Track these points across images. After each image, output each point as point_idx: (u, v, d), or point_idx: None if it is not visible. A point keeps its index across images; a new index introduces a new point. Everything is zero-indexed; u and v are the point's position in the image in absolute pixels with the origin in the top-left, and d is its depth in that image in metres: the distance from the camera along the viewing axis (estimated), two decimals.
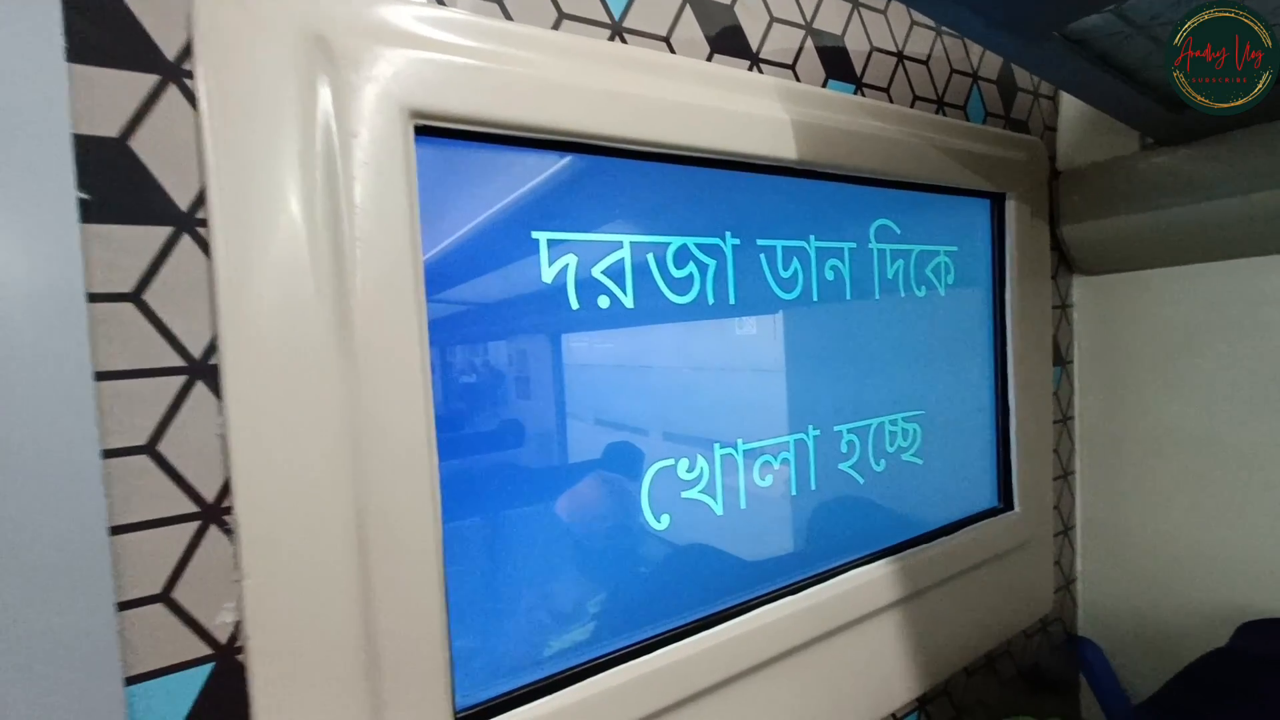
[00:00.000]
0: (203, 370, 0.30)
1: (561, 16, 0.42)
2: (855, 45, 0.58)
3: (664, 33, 0.46)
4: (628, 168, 0.44)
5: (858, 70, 0.58)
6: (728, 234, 0.48)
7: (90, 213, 0.28)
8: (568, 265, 0.41)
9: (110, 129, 0.29)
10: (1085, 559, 0.84)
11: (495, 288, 0.39)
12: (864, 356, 0.58)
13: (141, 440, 0.29)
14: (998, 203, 0.68)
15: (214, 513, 0.31)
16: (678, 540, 0.46)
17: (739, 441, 0.49)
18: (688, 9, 0.47)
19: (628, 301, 0.43)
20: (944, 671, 0.63)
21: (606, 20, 0.44)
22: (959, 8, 0.43)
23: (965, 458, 0.67)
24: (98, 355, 0.28)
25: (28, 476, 0.26)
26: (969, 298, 0.67)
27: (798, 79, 0.54)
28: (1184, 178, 0.66)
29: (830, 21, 0.56)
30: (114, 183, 0.29)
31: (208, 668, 0.31)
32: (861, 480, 0.57)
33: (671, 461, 0.46)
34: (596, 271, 0.42)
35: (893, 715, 0.61)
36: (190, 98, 0.30)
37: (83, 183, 0.28)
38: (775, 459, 0.51)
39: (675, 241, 0.46)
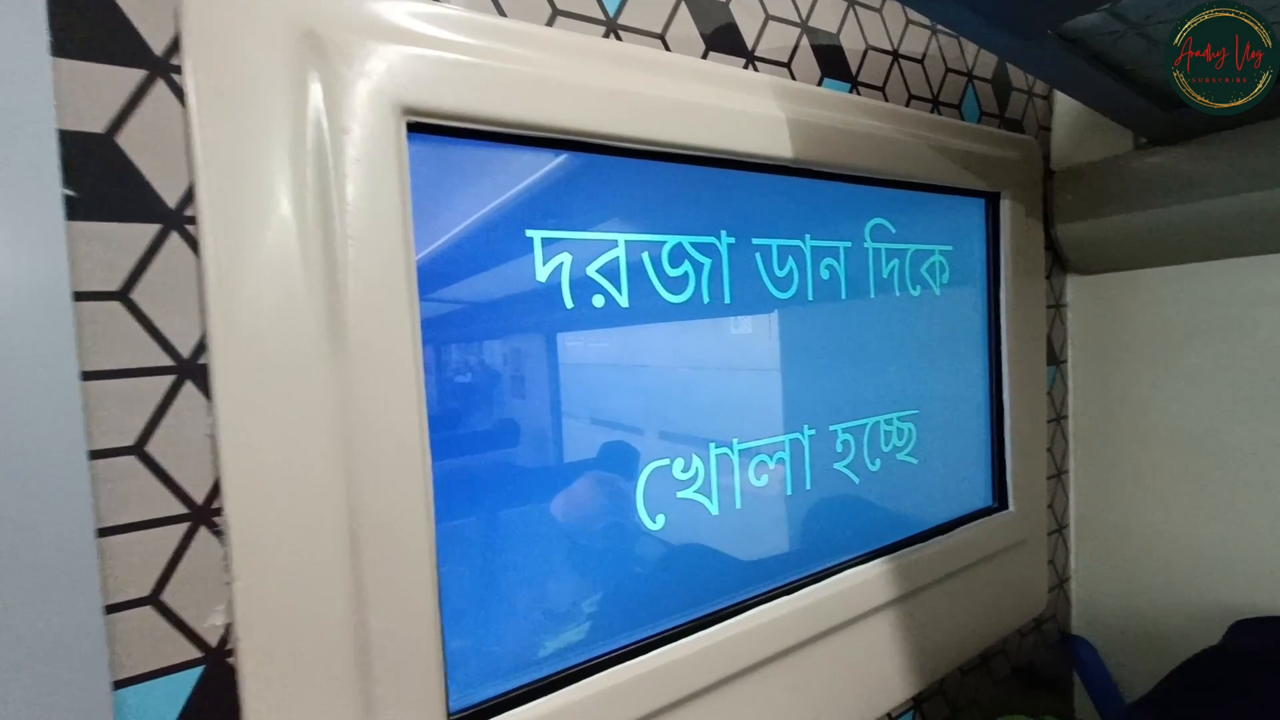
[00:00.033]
0: (192, 370, 0.30)
1: (556, 13, 0.42)
2: (851, 44, 0.58)
3: (659, 30, 0.46)
4: (622, 166, 0.43)
5: (853, 69, 0.58)
6: (723, 233, 0.48)
7: (76, 210, 0.28)
8: (562, 264, 0.41)
9: (97, 125, 0.28)
10: (1079, 558, 0.84)
11: (489, 286, 0.39)
12: (859, 356, 0.58)
13: (130, 441, 0.29)
14: (992, 202, 0.68)
15: (204, 514, 0.30)
16: (673, 540, 0.46)
17: (734, 441, 0.49)
18: (683, 6, 0.47)
19: (622, 300, 0.43)
20: (939, 670, 0.63)
21: (601, 17, 0.44)
22: (955, 6, 0.43)
23: (960, 457, 0.67)
24: (84, 355, 0.28)
25: (13, 478, 0.26)
26: (964, 297, 0.67)
27: (793, 77, 0.54)
28: (1178, 177, 0.66)
29: (826, 20, 0.56)
30: (101, 179, 0.28)
31: (198, 671, 0.30)
32: (856, 480, 0.57)
33: (667, 461, 0.46)
34: (591, 270, 0.42)
35: (888, 714, 0.62)
36: (179, 93, 0.30)
37: (69, 179, 0.27)
38: (770, 458, 0.51)
39: (670, 240, 0.45)
